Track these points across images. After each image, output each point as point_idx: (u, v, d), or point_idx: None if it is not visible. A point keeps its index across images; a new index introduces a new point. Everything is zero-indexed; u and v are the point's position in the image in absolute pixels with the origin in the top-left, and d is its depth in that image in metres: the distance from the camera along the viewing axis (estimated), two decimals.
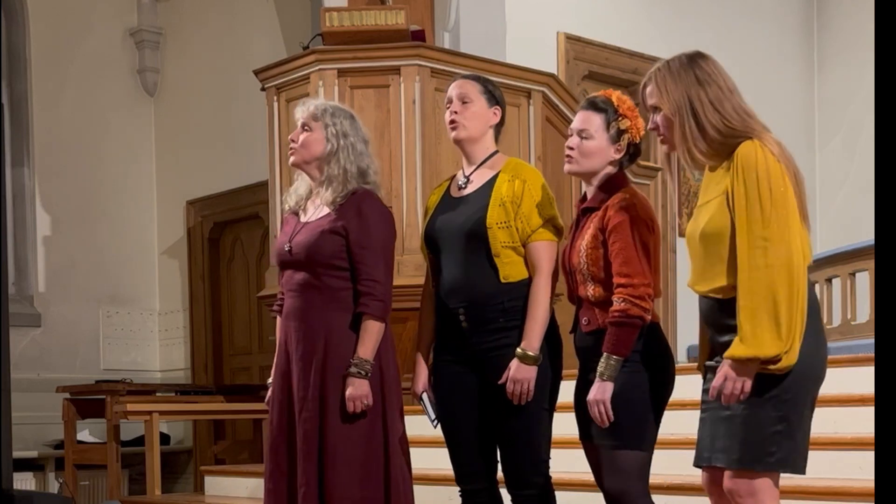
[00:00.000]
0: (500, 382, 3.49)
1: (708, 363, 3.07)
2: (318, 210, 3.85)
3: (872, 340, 5.59)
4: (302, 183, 3.95)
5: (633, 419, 3.28)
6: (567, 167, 3.48)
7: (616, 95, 3.49)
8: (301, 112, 3.89)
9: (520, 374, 3.46)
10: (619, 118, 3.43)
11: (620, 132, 3.43)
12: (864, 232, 6.88)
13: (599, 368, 3.27)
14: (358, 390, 3.71)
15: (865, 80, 8.32)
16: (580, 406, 3.47)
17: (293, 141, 3.86)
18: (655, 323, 3.36)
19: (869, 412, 3.76)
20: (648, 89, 3.06)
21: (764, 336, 2.81)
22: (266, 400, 4.02)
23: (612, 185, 3.42)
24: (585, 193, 3.52)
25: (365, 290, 3.75)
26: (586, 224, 3.42)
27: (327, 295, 3.77)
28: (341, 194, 3.80)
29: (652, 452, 3.36)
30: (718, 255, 2.94)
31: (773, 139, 2.93)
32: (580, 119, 3.45)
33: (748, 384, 2.85)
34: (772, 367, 2.83)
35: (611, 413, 3.25)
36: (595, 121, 3.43)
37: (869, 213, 4.74)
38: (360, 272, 3.76)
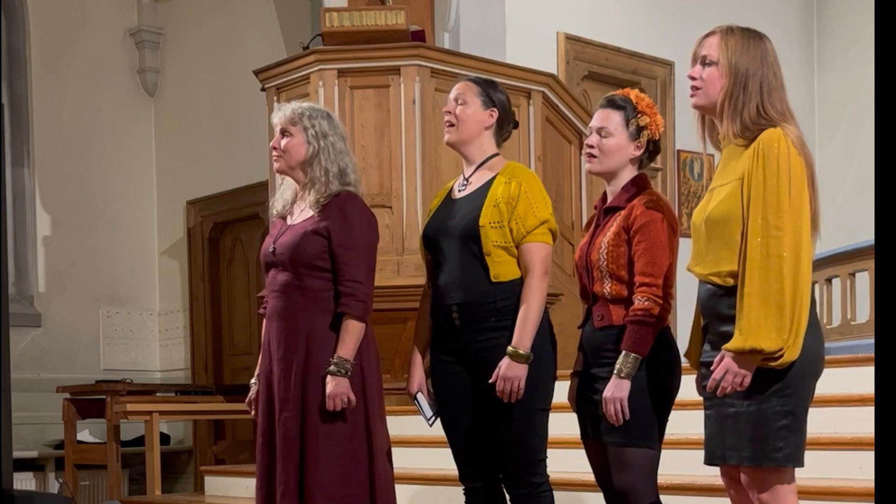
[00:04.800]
0: (490, 381, 3.49)
1: (704, 359, 3.06)
2: (302, 212, 3.88)
3: (872, 340, 5.59)
4: (287, 187, 3.98)
5: (643, 417, 3.29)
6: (588, 166, 3.50)
7: (634, 93, 3.51)
8: (278, 117, 3.90)
9: (510, 373, 3.46)
10: (639, 115, 3.44)
11: (640, 129, 3.44)
12: (864, 232, 6.87)
13: (617, 365, 3.27)
14: (337, 388, 3.72)
15: (865, 80, 8.32)
16: (582, 404, 3.48)
17: (276, 148, 3.87)
18: (665, 325, 3.37)
19: (869, 412, 3.76)
20: (711, 40, 3.03)
21: (769, 327, 2.80)
22: (247, 400, 4.04)
23: (636, 185, 3.44)
24: (605, 193, 3.52)
25: (346, 291, 3.76)
26: (608, 223, 3.42)
27: (309, 296, 3.79)
28: (324, 195, 3.82)
29: (660, 450, 3.37)
30: (723, 239, 2.93)
31: (795, 132, 2.93)
32: (599, 117, 3.46)
33: (748, 378, 2.85)
34: (773, 363, 2.82)
35: (627, 411, 3.25)
36: (614, 118, 3.44)
37: (869, 213, 4.73)
38: (341, 273, 3.77)
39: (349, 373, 3.74)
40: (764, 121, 2.94)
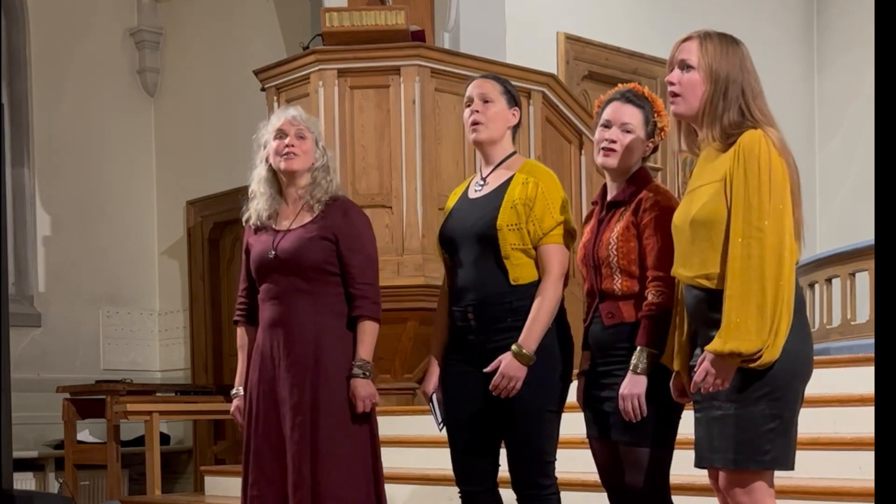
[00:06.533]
0: (485, 370, 3.45)
1: (693, 363, 3.05)
2: (297, 218, 3.87)
3: (872, 340, 5.59)
4: (264, 196, 3.92)
5: (656, 417, 3.24)
6: (605, 160, 3.39)
7: (646, 91, 3.47)
8: (295, 118, 3.89)
9: (509, 370, 3.41)
10: (657, 115, 3.41)
11: (656, 128, 3.42)
12: (864, 232, 6.87)
13: (633, 361, 3.22)
14: (365, 390, 3.77)
15: (865, 80, 8.32)
16: (590, 401, 3.44)
17: (292, 146, 3.85)
18: None
19: (869, 412, 3.76)
20: (689, 45, 3.00)
21: (748, 327, 2.79)
22: (234, 409, 4.00)
23: (640, 179, 3.40)
24: (605, 187, 3.48)
25: (360, 294, 3.80)
26: (614, 218, 3.38)
27: (317, 300, 3.80)
28: (322, 202, 3.84)
29: (672, 451, 3.33)
30: (710, 241, 2.93)
31: (777, 134, 2.92)
32: (620, 112, 3.38)
33: (727, 382, 2.85)
34: (752, 364, 2.82)
35: (644, 407, 3.21)
36: (637, 115, 3.39)
37: (869, 213, 4.74)
38: (352, 276, 3.80)
39: (371, 374, 3.79)
40: (749, 124, 2.93)
